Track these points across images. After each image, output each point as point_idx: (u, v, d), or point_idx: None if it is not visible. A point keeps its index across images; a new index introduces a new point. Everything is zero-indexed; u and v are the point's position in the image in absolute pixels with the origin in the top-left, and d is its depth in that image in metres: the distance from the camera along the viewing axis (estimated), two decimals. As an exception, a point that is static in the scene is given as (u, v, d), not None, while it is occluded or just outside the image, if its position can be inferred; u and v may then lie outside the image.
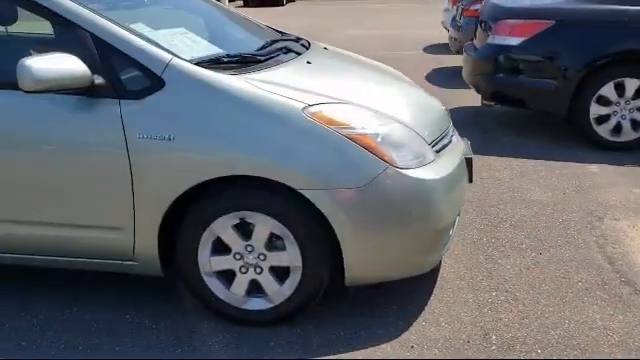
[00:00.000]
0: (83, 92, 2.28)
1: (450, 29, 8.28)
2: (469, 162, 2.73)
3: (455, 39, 7.85)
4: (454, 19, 8.23)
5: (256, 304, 2.43)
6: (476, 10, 7.22)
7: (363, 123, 2.29)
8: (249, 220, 2.32)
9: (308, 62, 2.75)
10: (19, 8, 2.77)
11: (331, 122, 2.25)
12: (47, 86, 2.18)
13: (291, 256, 2.33)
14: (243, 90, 2.28)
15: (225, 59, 2.51)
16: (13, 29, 3.32)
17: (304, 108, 2.26)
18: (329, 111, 2.29)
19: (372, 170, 2.22)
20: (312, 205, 2.23)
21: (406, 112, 2.54)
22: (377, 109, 2.43)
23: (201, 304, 2.51)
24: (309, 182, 2.21)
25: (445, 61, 8.64)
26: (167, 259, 2.44)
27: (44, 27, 3.62)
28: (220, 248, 2.39)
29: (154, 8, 2.99)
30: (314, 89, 2.43)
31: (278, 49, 2.85)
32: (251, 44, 2.94)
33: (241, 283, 2.42)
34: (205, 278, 2.42)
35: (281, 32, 3.46)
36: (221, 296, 2.44)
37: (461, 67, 5.67)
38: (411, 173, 2.28)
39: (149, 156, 2.27)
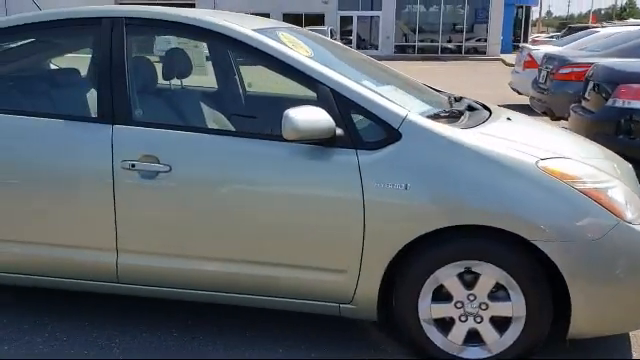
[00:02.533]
0: (320, 142, 2.41)
1: (532, 91, 8.44)
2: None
3: (540, 100, 7.99)
4: (536, 81, 8.41)
5: (474, 353, 2.47)
6: (566, 74, 7.43)
7: (593, 178, 2.38)
8: (475, 269, 2.39)
9: (508, 119, 2.87)
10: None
11: (563, 176, 2.34)
12: (303, 136, 2.33)
13: (516, 307, 2.38)
14: (476, 143, 2.39)
15: (442, 114, 2.64)
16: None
17: (537, 162, 2.36)
18: (559, 165, 2.39)
19: (606, 224, 2.29)
20: (541, 256, 2.30)
21: (614, 169, 2.63)
22: (594, 165, 2.52)
23: (415, 351, 2.55)
24: (543, 234, 2.28)
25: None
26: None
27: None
28: (440, 295, 2.46)
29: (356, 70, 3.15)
30: (533, 144, 2.54)
31: (466, 107, 2.98)
32: (437, 101, 3.08)
33: (459, 331, 2.46)
34: (424, 325, 2.48)
35: (438, 90, 3.62)
36: (438, 343, 2.49)
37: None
38: (639, 228, 2.34)
39: (384, 203, 2.38)
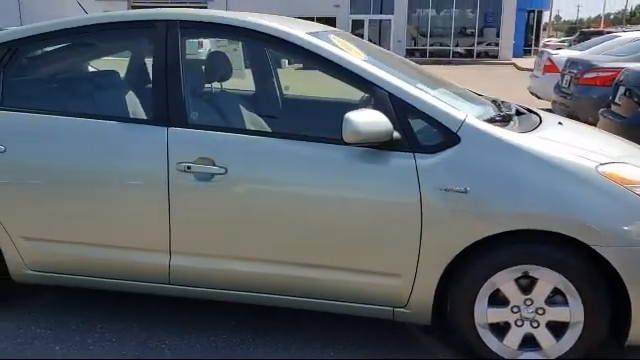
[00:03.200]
0: (377, 145, 2.41)
1: (554, 95, 8.41)
2: None
3: (563, 105, 7.95)
4: (559, 86, 8.38)
5: (530, 358, 2.46)
6: (591, 79, 7.40)
7: (654, 184, 2.37)
8: (532, 274, 2.38)
9: (559, 123, 2.86)
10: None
11: (623, 181, 2.33)
12: (362, 139, 2.33)
13: (574, 312, 2.37)
14: (536, 147, 2.38)
15: (497, 118, 2.64)
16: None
17: (596, 166, 2.35)
18: (619, 170, 2.38)
19: (667, 229, 2.28)
20: (601, 262, 2.29)
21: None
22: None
23: (469, 355, 2.55)
24: (604, 239, 2.27)
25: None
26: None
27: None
28: (496, 300, 2.45)
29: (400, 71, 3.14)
30: (589, 148, 2.53)
31: (514, 111, 2.97)
32: (485, 105, 3.06)
33: (515, 336, 2.46)
34: (479, 329, 2.47)
35: (479, 94, 3.61)
36: (494, 348, 2.48)
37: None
38: (701, 234, 2.32)
39: (442, 207, 2.37)
